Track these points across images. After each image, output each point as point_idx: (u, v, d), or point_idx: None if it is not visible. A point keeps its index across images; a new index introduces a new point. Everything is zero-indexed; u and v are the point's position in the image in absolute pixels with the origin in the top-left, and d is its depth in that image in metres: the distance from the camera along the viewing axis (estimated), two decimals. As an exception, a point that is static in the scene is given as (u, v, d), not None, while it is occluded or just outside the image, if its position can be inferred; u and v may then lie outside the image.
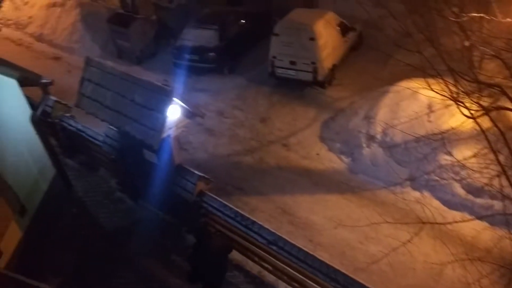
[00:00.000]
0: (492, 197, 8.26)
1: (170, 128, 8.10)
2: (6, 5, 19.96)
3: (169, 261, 8.37)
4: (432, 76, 8.40)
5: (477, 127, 7.80)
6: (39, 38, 17.81)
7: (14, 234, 7.97)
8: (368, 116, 10.53)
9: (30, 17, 18.64)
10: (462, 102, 7.65)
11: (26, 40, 17.94)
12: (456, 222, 7.92)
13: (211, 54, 13.60)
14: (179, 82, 12.39)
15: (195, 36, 13.81)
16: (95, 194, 9.92)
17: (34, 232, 8.36)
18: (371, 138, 10.16)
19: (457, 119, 8.89)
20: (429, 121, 9.64)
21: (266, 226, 7.33)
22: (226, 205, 8.09)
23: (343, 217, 8.78)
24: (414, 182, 9.21)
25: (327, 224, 8.69)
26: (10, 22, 19.22)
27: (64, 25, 17.29)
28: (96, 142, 9.89)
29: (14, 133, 8.48)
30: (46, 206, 8.88)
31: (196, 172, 8.55)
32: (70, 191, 10.00)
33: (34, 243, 8.28)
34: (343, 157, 10.38)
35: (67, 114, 10.62)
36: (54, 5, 18.15)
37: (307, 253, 6.78)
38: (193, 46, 13.60)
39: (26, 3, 19.30)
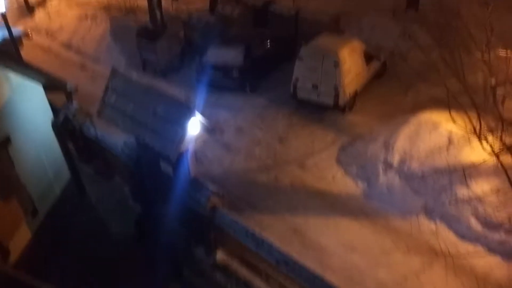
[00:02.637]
0: (509, 233, 8.06)
1: (188, 142, 8.19)
2: (39, 14, 20.78)
3: (178, 274, 8.31)
4: (455, 110, 8.39)
5: (498, 163, 7.72)
6: (68, 46, 18.39)
7: (23, 235, 8.06)
8: (387, 143, 10.46)
9: (61, 26, 19.32)
10: (485, 138, 7.59)
11: (55, 48, 18.55)
12: (469, 255, 7.74)
13: (235, 72, 13.83)
14: (201, 98, 12.60)
15: (220, 54, 14.12)
16: (107, 201, 10.01)
17: (43, 235, 8.45)
18: (388, 165, 10.07)
19: (477, 153, 8.80)
20: (449, 154, 9.52)
21: (277, 245, 7.27)
22: (237, 222, 8.07)
23: (355, 242, 8.66)
24: (429, 212, 9.05)
25: (338, 248, 8.57)
26: (41, 30, 19.92)
27: (93, 35, 17.87)
28: (114, 150, 10.04)
29: (34, 135, 8.68)
30: (57, 209, 9.00)
31: (210, 187, 8.58)
32: (83, 196, 10.10)
33: (42, 245, 8.34)
34: (359, 182, 10.28)
35: (88, 121, 10.85)
36: (85, 16, 18.81)
37: (315, 274, 6.69)
38: (217, 64, 13.89)
39: (58, 13, 20.04)
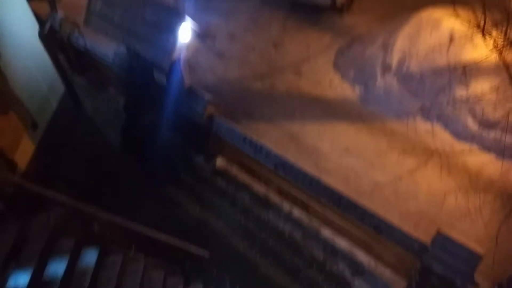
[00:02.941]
0: (504, 130, 8.14)
1: (180, 50, 7.95)
2: None
3: (177, 180, 8.58)
4: (459, 5, 7.99)
5: (499, 61, 7.55)
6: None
7: (27, 147, 8.20)
8: (386, 44, 10.12)
9: None
10: (489, 32, 7.33)
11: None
12: (464, 154, 7.92)
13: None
14: (189, 2, 11.92)
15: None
16: (104, 112, 9.98)
17: (46, 146, 8.59)
18: (386, 68, 9.86)
19: (479, 51, 8.56)
20: (449, 52, 9.28)
21: (273, 150, 7.38)
22: (235, 130, 8.12)
23: (350, 145, 8.78)
24: (426, 113, 9.06)
25: (334, 151, 8.72)
26: None
27: None
28: (106, 61, 9.77)
29: (22, 48, 8.40)
30: (56, 122, 9.04)
31: (206, 95, 8.49)
32: (80, 108, 10.09)
33: (45, 158, 8.53)
34: (356, 86, 10.13)
35: (76, 31, 10.39)
36: None
37: (312, 176, 6.88)
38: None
39: None
